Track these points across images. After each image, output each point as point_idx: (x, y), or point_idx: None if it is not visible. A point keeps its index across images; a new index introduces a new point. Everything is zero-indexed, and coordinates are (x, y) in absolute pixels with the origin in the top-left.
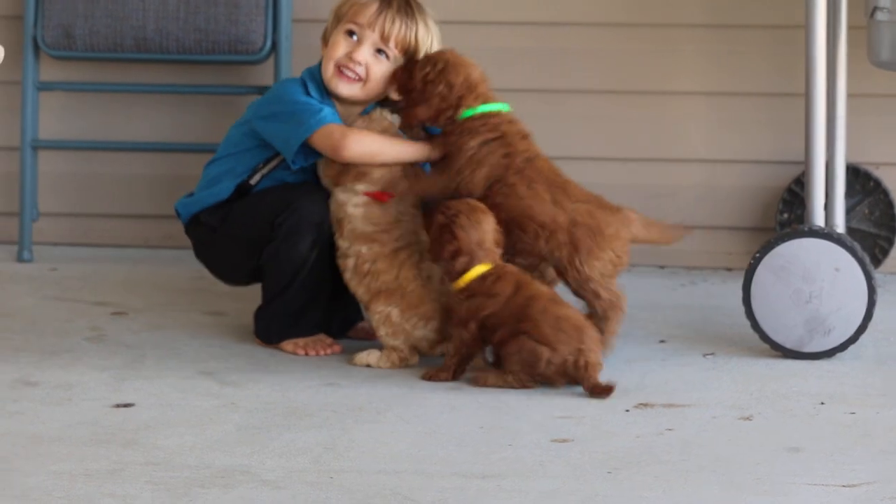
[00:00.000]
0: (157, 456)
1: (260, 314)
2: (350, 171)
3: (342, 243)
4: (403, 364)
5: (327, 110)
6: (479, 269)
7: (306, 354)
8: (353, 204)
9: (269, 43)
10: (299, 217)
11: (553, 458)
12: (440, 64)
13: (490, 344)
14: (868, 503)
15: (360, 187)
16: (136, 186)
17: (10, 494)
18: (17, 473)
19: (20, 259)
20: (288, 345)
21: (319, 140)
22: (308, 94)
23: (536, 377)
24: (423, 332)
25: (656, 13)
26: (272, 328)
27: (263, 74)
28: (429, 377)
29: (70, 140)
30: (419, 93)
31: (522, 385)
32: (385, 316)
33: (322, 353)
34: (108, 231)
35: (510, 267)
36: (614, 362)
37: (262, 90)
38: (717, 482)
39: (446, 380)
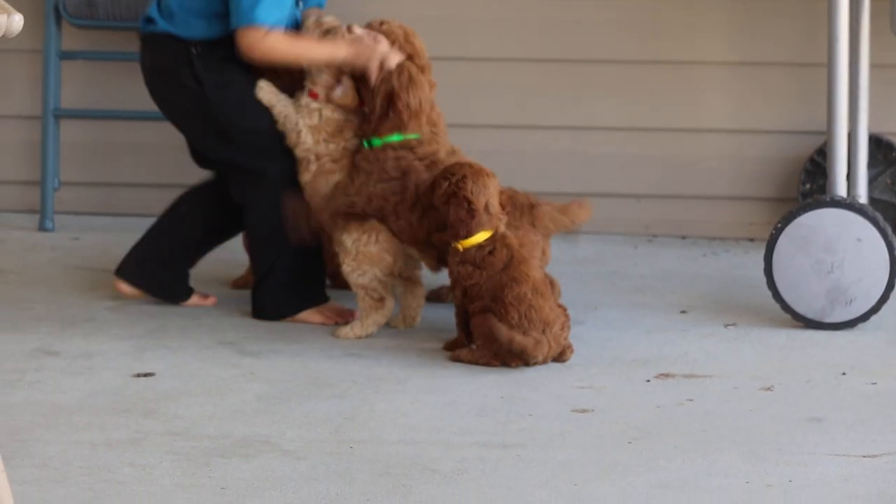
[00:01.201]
0: (177, 425)
1: (261, 291)
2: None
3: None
4: (384, 315)
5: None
6: (481, 236)
7: (335, 323)
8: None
9: None
10: (279, 181)
11: (573, 429)
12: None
13: (467, 311)
14: (889, 473)
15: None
16: (158, 155)
17: (30, 464)
18: (38, 443)
19: (42, 228)
20: (314, 315)
21: (243, 36)
22: None
23: (497, 355)
24: (374, 248)
25: None
26: (280, 301)
27: None
28: (447, 348)
29: (92, 109)
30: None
31: (487, 363)
32: (343, 244)
33: (345, 320)
34: (129, 200)
35: (510, 239)
36: (634, 333)
37: None
38: (737, 452)
39: (469, 360)
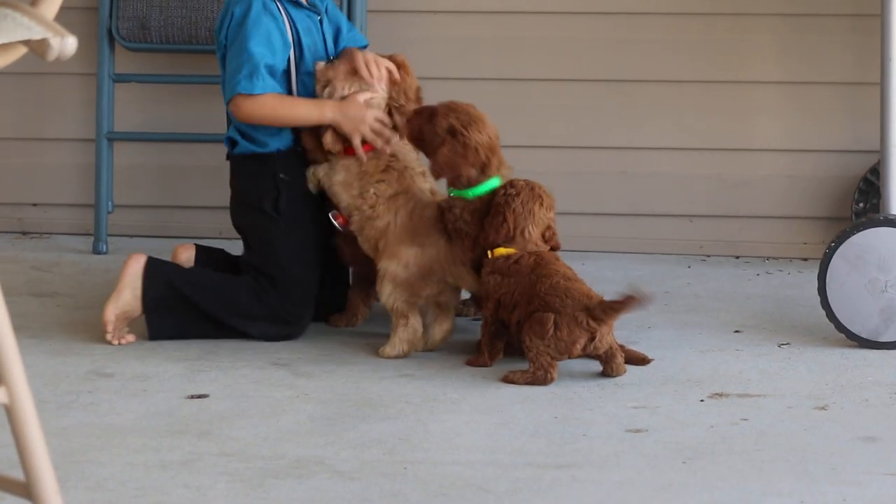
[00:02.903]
0: (231, 447)
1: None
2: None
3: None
4: (410, 333)
5: (260, 71)
6: (508, 250)
7: None
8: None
9: None
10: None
11: (627, 449)
12: (464, 117)
13: (509, 327)
14: None
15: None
16: (211, 178)
17: (84, 486)
18: (92, 464)
19: (96, 251)
20: None
21: (230, 105)
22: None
23: (553, 350)
24: (405, 272)
25: (731, 2)
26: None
27: None
28: (469, 363)
29: (145, 132)
30: (443, 144)
31: (545, 371)
32: (382, 273)
33: None
34: (182, 222)
35: (543, 252)
36: (688, 352)
37: None
38: (791, 472)
39: (484, 365)
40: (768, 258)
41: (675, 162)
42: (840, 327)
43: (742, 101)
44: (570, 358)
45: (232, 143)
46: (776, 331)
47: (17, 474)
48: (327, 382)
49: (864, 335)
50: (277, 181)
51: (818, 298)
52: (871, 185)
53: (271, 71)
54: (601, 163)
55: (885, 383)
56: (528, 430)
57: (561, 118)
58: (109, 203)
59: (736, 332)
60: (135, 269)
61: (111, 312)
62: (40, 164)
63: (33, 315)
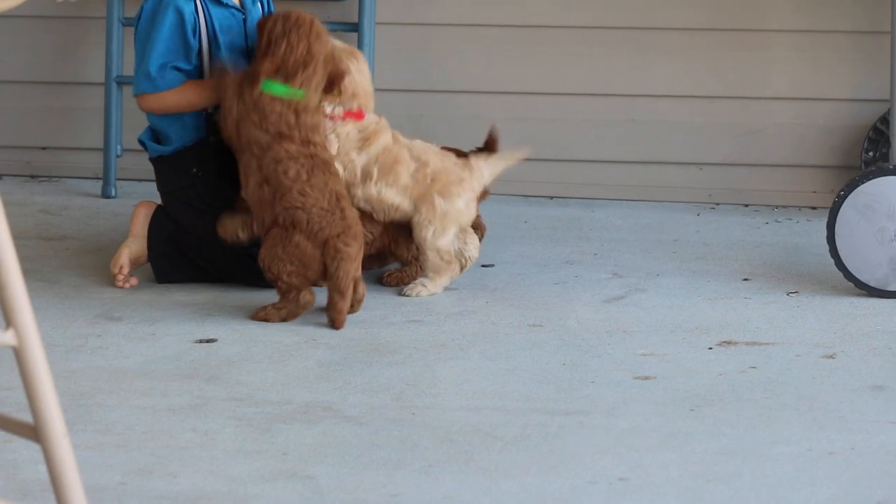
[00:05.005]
0: (239, 391)
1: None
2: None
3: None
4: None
5: (153, 70)
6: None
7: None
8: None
9: None
10: None
11: (635, 396)
12: (288, 23)
13: None
14: None
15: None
16: None
17: (93, 429)
18: (101, 408)
19: (105, 195)
20: None
21: (137, 100)
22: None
23: None
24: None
25: None
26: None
27: (347, 10)
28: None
29: None
30: (265, 45)
31: None
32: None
33: None
34: None
35: None
36: (697, 300)
37: (346, 27)
38: (799, 420)
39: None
40: (777, 206)
41: (684, 109)
42: (849, 276)
43: (753, 49)
44: None
45: (142, 145)
46: (785, 279)
47: (26, 417)
48: None
49: (872, 284)
50: (192, 177)
51: (827, 247)
52: (880, 134)
53: (174, 67)
54: (611, 110)
55: (893, 332)
56: (535, 376)
57: (571, 65)
58: (118, 147)
59: (745, 280)
60: (144, 217)
61: (125, 257)
62: (50, 108)
63: (42, 258)
